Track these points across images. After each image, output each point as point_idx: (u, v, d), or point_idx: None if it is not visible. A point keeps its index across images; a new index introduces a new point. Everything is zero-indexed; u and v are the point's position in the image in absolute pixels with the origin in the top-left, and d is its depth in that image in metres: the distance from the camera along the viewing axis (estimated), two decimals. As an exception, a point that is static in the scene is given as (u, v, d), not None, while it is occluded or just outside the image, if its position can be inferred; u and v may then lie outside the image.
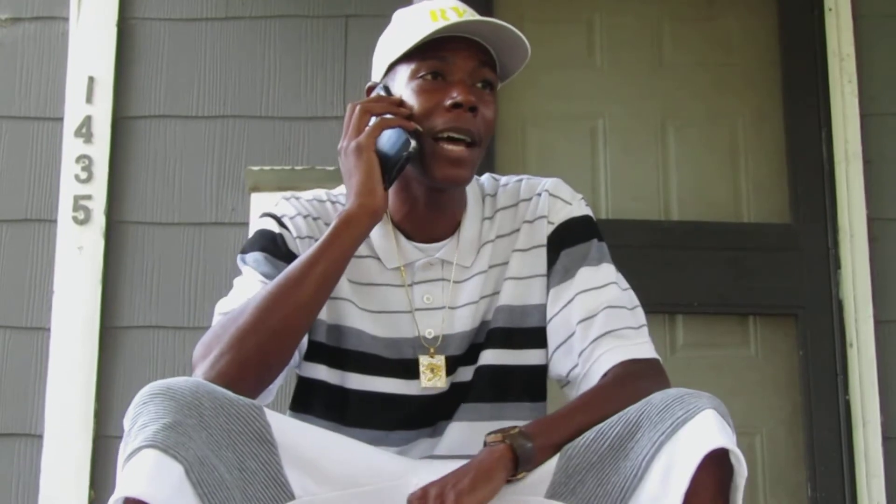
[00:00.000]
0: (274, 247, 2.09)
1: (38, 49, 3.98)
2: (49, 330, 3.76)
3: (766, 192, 4.16)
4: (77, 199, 3.82)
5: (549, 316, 2.12)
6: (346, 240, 1.95)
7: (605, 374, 2.01)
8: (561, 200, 2.20)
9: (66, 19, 3.98)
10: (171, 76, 3.97)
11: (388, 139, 2.00)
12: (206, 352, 1.88)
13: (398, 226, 2.15)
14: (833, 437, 3.89)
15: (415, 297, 2.12)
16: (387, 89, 2.10)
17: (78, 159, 3.85)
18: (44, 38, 3.99)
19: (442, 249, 2.14)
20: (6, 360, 3.76)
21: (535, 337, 2.13)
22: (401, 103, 2.05)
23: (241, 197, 3.82)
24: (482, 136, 2.05)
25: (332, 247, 1.94)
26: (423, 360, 2.10)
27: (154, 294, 3.82)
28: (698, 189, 4.16)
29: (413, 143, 1.98)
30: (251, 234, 2.15)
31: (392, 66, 2.11)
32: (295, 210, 2.15)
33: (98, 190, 3.83)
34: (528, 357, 2.13)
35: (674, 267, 3.99)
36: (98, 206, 3.82)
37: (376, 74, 2.16)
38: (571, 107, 4.22)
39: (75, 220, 3.80)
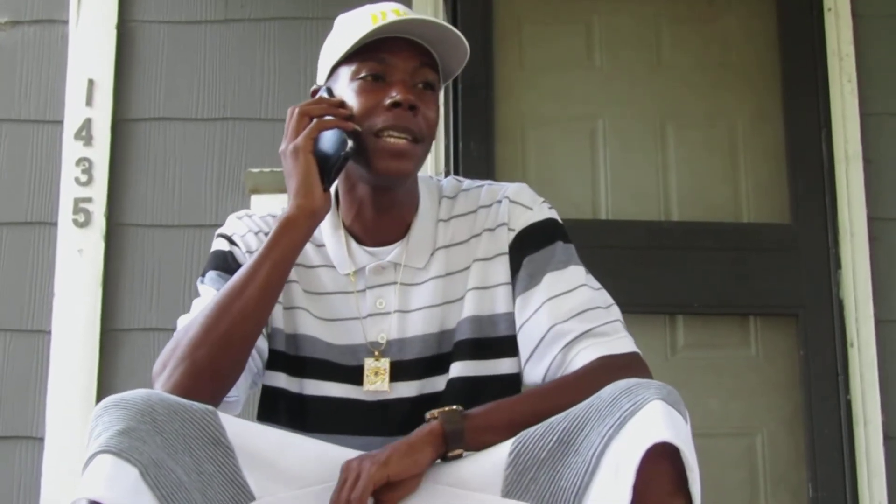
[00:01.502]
0: (225, 264, 2.11)
1: (37, 52, 3.99)
2: (50, 333, 3.76)
3: (766, 192, 4.17)
4: (77, 201, 3.82)
5: (518, 324, 2.10)
6: (286, 242, 1.96)
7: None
8: (521, 206, 2.15)
9: (66, 22, 3.98)
10: (171, 79, 3.98)
11: (327, 140, 2.00)
12: (163, 366, 1.91)
13: (350, 231, 2.15)
14: (834, 436, 3.89)
15: (367, 302, 2.12)
16: (329, 91, 2.10)
17: (78, 162, 3.85)
18: (43, 42, 4.00)
19: (392, 252, 2.13)
20: (7, 364, 3.76)
21: (506, 346, 2.11)
22: (341, 104, 2.05)
23: (240, 199, 3.81)
24: (424, 135, 2.05)
25: (273, 250, 1.95)
26: (368, 364, 2.10)
27: (154, 296, 3.82)
28: (698, 189, 4.16)
29: (350, 143, 1.97)
30: (208, 255, 2.18)
31: (334, 69, 2.11)
32: (246, 227, 2.16)
33: (98, 193, 3.84)
34: (499, 367, 2.11)
35: (674, 268, 3.99)
36: (98, 208, 3.82)
37: (320, 78, 2.17)
38: (571, 108, 4.22)
39: (75, 222, 3.81)
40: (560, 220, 2.18)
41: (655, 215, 4.12)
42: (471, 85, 4.04)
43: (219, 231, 2.19)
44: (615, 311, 2.09)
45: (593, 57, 4.27)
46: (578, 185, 4.12)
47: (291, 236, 1.96)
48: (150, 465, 1.63)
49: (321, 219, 2.01)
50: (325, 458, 1.89)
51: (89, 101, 3.90)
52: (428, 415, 1.89)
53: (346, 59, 2.08)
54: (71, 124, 3.89)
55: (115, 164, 3.88)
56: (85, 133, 3.87)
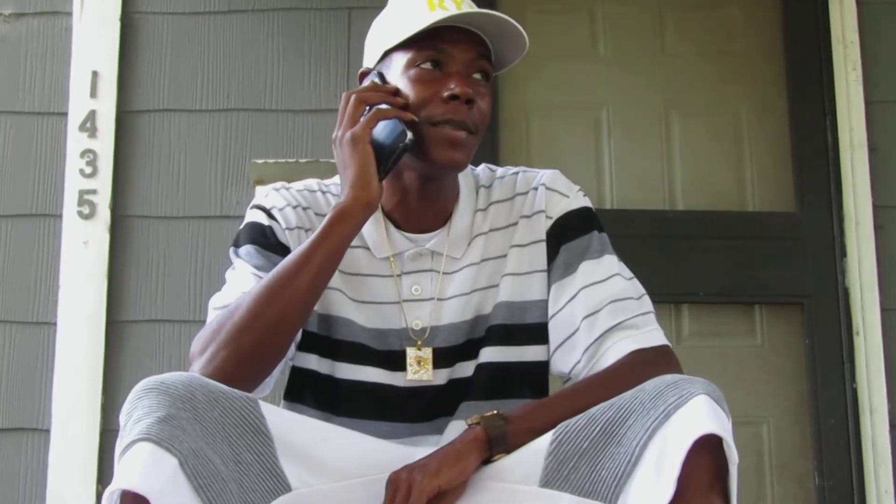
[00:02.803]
0: (264, 239, 2.08)
1: (41, 44, 3.99)
2: (55, 324, 3.77)
3: (771, 180, 4.16)
4: (82, 193, 3.83)
5: (551, 312, 2.10)
6: (340, 233, 1.94)
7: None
8: (558, 194, 2.16)
9: (70, 14, 3.98)
10: (175, 70, 3.98)
11: (384, 130, 1.99)
12: (203, 348, 1.89)
13: (389, 216, 2.14)
14: (840, 425, 3.89)
15: (403, 287, 2.11)
16: (381, 76, 2.08)
17: (82, 154, 3.85)
18: (47, 34, 4.00)
19: (433, 240, 2.13)
20: (13, 355, 3.77)
21: (536, 333, 2.12)
22: (396, 92, 2.03)
23: (245, 190, 3.82)
24: (478, 128, 2.04)
25: (326, 240, 1.93)
26: (410, 353, 2.09)
27: (159, 288, 3.82)
28: (703, 178, 4.15)
29: (409, 134, 1.96)
30: (242, 225, 2.14)
31: (387, 54, 2.09)
32: (284, 201, 2.13)
33: (103, 184, 3.84)
34: (528, 353, 2.11)
35: (679, 256, 3.99)
36: (103, 200, 3.83)
37: (370, 60, 2.14)
38: (575, 97, 4.22)
39: (80, 214, 3.81)
40: (593, 208, 2.19)
41: (660, 204, 4.12)
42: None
43: (255, 202, 2.16)
44: (647, 302, 2.10)
45: (597, 46, 4.26)
46: (583, 174, 4.11)
47: (346, 226, 1.94)
48: (189, 455, 1.61)
49: (375, 210, 1.99)
50: (363, 451, 1.89)
51: (93, 93, 3.90)
52: (469, 420, 1.89)
53: (401, 45, 2.05)
54: (75, 116, 3.89)
55: (119, 156, 3.88)
56: (89, 125, 3.87)
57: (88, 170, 3.84)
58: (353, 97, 2.04)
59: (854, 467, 3.84)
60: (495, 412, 1.87)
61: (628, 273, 2.14)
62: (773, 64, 4.24)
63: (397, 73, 2.06)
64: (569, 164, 4.12)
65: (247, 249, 2.08)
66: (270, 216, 2.11)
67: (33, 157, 3.90)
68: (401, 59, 2.06)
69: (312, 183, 2.20)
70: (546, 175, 2.20)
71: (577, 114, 4.20)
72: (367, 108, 2.03)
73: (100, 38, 3.95)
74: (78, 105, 3.90)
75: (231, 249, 2.12)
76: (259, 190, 3.59)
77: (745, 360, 4.03)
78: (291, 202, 2.14)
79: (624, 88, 4.22)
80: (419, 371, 2.08)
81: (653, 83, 4.22)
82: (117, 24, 3.96)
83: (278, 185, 2.18)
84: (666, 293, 3.96)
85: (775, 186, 4.15)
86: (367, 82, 2.09)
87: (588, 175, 4.12)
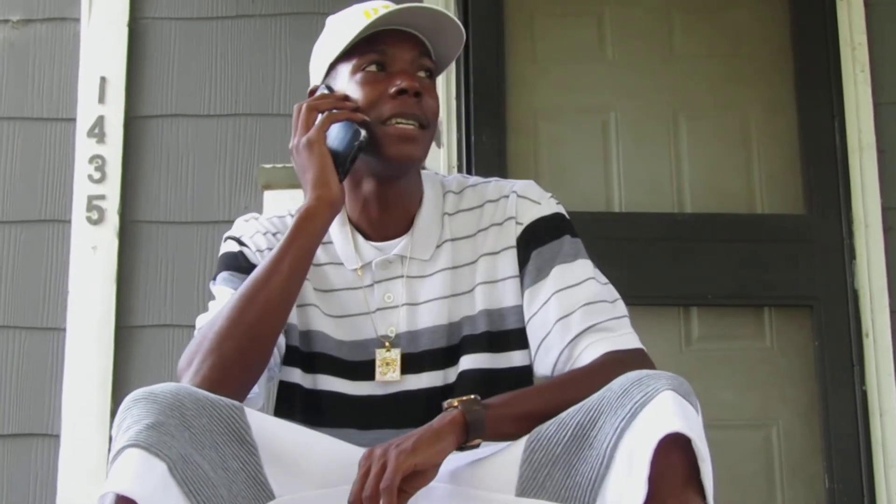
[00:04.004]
0: (236, 263, 2.13)
1: (49, 50, 4.00)
2: (65, 330, 3.77)
3: (780, 182, 4.16)
4: (91, 199, 3.83)
5: (526, 317, 2.11)
6: (307, 232, 1.98)
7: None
8: (529, 201, 2.17)
9: (78, 20, 3.99)
10: (183, 75, 3.98)
11: (338, 133, 2.04)
12: (189, 361, 1.91)
13: (356, 225, 2.18)
14: (850, 427, 3.89)
15: (375, 296, 2.13)
16: (329, 88, 2.13)
17: (91, 159, 3.86)
18: (55, 40, 4.01)
19: (398, 245, 2.14)
20: (23, 361, 3.78)
21: (516, 338, 2.13)
22: (345, 98, 2.08)
23: (253, 195, 3.82)
24: (429, 121, 2.09)
25: (295, 241, 1.97)
26: (379, 354, 2.11)
27: (168, 293, 3.83)
28: (711, 181, 4.15)
29: (363, 132, 2.02)
30: (218, 258, 2.20)
31: (332, 67, 2.14)
32: (253, 229, 2.18)
33: (111, 190, 3.85)
34: (511, 359, 2.12)
35: (687, 259, 3.99)
36: (112, 205, 3.83)
37: (316, 78, 2.19)
38: (583, 100, 4.22)
39: (89, 220, 3.82)
40: (567, 215, 2.20)
41: (669, 207, 4.12)
42: (482, 78, 4.04)
43: (227, 234, 2.21)
44: (621, 307, 2.10)
45: (605, 48, 4.26)
46: (591, 178, 4.12)
47: (312, 227, 1.98)
48: (178, 461, 1.63)
49: (339, 210, 2.03)
50: (346, 458, 1.89)
51: (102, 99, 3.91)
52: (446, 403, 1.88)
53: (344, 56, 2.11)
54: (84, 122, 3.90)
55: (127, 161, 3.89)
56: (98, 130, 3.88)
57: (97, 175, 3.85)
58: (304, 106, 2.09)
59: (864, 470, 3.84)
60: (473, 397, 1.87)
61: (603, 278, 2.14)
62: (782, 66, 4.23)
63: (344, 82, 2.11)
64: (577, 167, 4.12)
65: (223, 276, 2.13)
66: (241, 243, 2.16)
67: (42, 162, 3.91)
68: (345, 68, 2.11)
69: (282, 211, 2.25)
70: (518, 184, 2.21)
71: (584, 117, 4.20)
72: (319, 115, 2.07)
73: (108, 44, 3.96)
74: (86, 110, 3.91)
75: (210, 283, 2.17)
76: (268, 195, 3.61)
77: (754, 363, 4.02)
78: (260, 229, 2.18)
79: (632, 91, 4.21)
80: (387, 372, 2.10)
81: (661, 85, 4.22)
82: (125, 30, 3.97)
83: (247, 216, 2.23)
84: (675, 296, 3.97)
85: (784, 189, 4.15)
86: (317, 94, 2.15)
87: (596, 178, 4.12)
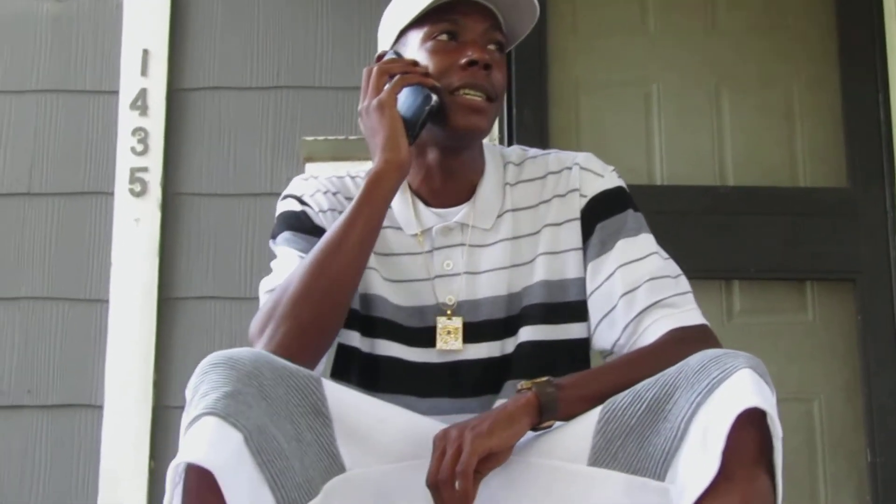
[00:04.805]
0: (299, 223, 2.14)
1: (92, 23, 4.00)
2: (108, 302, 3.79)
3: (823, 156, 4.13)
4: (133, 171, 3.84)
5: (589, 290, 2.11)
6: (378, 196, 1.98)
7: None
8: (592, 173, 2.18)
9: (120, -7, 4.00)
10: (225, 47, 3.98)
11: (409, 96, 2.04)
12: (262, 327, 1.92)
13: (416, 193, 2.18)
14: (892, 402, 3.88)
15: (434, 263, 2.14)
16: (398, 55, 2.14)
17: (134, 132, 3.87)
18: (98, 13, 4.01)
19: (460, 213, 2.15)
20: (66, 332, 3.80)
21: (576, 311, 2.13)
22: (415, 64, 2.09)
23: (295, 167, 3.82)
24: (497, 94, 2.10)
25: (366, 204, 1.97)
26: (440, 322, 2.11)
27: (210, 265, 3.84)
28: (754, 154, 4.13)
29: (434, 97, 2.02)
30: (276, 216, 2.20)
31: (402, 34, 2.15)
32: (313, 188, 2.19)
33: (154, 162, 3.86)
34: (569, 331, 2.13)
35: (730, 233, 3.97)
36: (154, 178, 3.85)
37: (385, 44, 2.20)
38: (625, 73, 4.20)
39: (132, 192, 3.83)
40: (627, 189, 2.20)
41: (711, 180, 4.10)
42: (524, 51, 4.02)
43: (285, 193, 2.21)
44: (684, 282, 2.11)
45: (647, 21, 4.24)
46: (633, 151, 4.11)
47: (383, 188, 1.99)
48: (254, 431, 1.62)
49: (407, 174, 2.04)
50: (417, 432, 1.89)
51: (144, 71, 3.91)
52: (519, 385, 1.89)
53: (416, 23, 2.12)
54: (126, 94, 3.91)
55: (170, 134, 3.90)
56: (140, 103, 3.89)
57: (140, 148, 3.86)
58: (374, 69, 2.10)
59: (906, 444, 3.83)
60: (546, 379, 1.88)
61: (664, 253, 2.15)
62: (826, 38, 4.20)
63: (414, 49, 2.12)
64: (618, 140, 4.11)
65: (285, 236, 2.13)
66: (302, 202, 2.17)
67: (85, 135, 3.92)
68: (416, 35, 2.12)
69: (341, 170, 2.26)
70: (580, 156, 2.22)
71: (626, 90, 4.18)
72: (390, 78, 2.07)
73: (150, 17, 3.96)
74: (129, 83, 3.92)
75: (270, 242, 2.18)
76: (309, 167, 3.62)
77: (796, 337, 4.01)
78: (320, 188, 2.19)
79: (674, 64, 4.20)
80: (448, 341, 2.10)
81: (703, 58, 4.20)
82: (167, 2, 3.97)
83: (305, 175, 2.25)
84: (717, 269, 3.96)
85: (827, 162, 4.12)
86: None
87: (638, 151, 4.11)
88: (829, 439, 3.94)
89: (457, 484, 1.74)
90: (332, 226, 2.00)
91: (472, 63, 2.04)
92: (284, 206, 2.19)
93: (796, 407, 3.95)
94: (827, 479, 3.91)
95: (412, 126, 2.03)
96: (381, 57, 2.18)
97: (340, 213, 2.11)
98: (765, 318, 4.02)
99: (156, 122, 3.89)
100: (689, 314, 2.05)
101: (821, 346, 4.00)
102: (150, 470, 3.66)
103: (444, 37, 2.09)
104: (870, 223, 3.98)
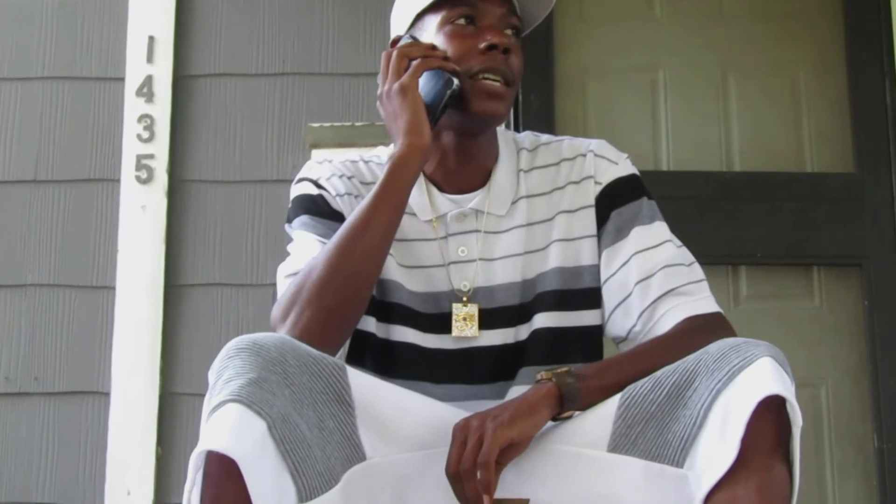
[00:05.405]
0: (316, 207, 2.12)
1: (98, 10, 3.99)
2: (114, 289, 3.79)
3: (829, 141, 4.13)
4: (139, 158, 3.84)
5: (603, 277, 2.12)
6: (402, 180, 1.97)
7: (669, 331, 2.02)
8: (607, 160, 2.18)
9: (126, -21, 3.99)
10: (231, 34, 3.98)
11: (430, 80, 2.04)
12: (286, 312, 1.90)
13: (430, 178, 2.17)
14: (899, 387, 3.88)
15: (450, 249, 2.13)
16: (414, 39, 2.12)
17: (140, 119, 3.87)
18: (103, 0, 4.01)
19: (475, 199, 2.14)
20: (73, 319, 3.80)
21: (590, 298, 2.13)
22: (434, 48, 2.08)
23: (301, 154, 3.82)
24: (515, 78, 2.09)
25: (390, 188, 1.96)
26: (456, 309, 2.10)
27: (217, 252, 3.84)
28: (760, 139, 4.12)
29: (456, 81, 2.02)
30: (292, 199, 2.18)
31: (418, 18, 2.14)
32: (329, 171, 2.17)
33: (160, 149, 3.86)
34: (583, 318, 2.13)
35: (736, 218, 3.97)
36: (160, 165, 3.84)
37: (399, 28, 2.19)
38: (631, 59, 4.20)
39: (138, 179, 3.83)
40: (641, 177, 2.21)
41: (717, 166, 4.10)
42: (530, 37, 3.99)
43: (300, 176, 2.20)
44: (698, 270, 2.11)
45: (654, 7, 4.24)
46: (639, 137, 4.10)
47: (405, 174, 1.98)
48: (277, 420, 1.61)
49: (428, 157, 2.04)
50: (438, 421, 1.89)
51: (150, 58, 3.91)
52: (539, 375, 1.89)
53: (433, 7, 2.11)
54: (132, 81, 3.90)
55: (176, 121, 3.90)
56: (146, 90, 3.89)
57: (146, 135, 3.86)
58: (394, 52, 2.09)
59: (913, 429, 3.83)
60: (566, 369, 1.88)
61: (678, 241, 2.15)
62: (832, 24, 4.19)
63: (431, 34, 2.11)
64: (625, 126, 4.11)
65: (302, 220, 2.12)
66: (318, 186, 2.15)
67: (91, 122, 3.92)
68: (433, 20, 2.11)
69: (353, 155, 2.24)
70: (594, 143, 2.22)
71: (633, 76, 4.18)
72: (410, 62, 2.06)
73: (156, 3, 3.95)
74: (135, 70, 3.91)
75: (286, 226, 2.16)
76: (315, 154, 3.62)
77: (803, 322, 4.01)
78: (336, 172, 2.17)
79: (680, 50, 4.19)
80: (464, 328, 2.10)
81: (710, 44, 4.19)
82: (173, -11, 3.97)
83: (319, 158, 2.23)
84: (723, 255, 3.96)
85: (834, 147, 4.12)
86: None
87: (644, 137, 4.11)
88: (835, 425, 3.94)
89: (479, 474, 1.74)
90: (355, 210, 1.98)
91: (491, 47, 2.04)
92: (300, 189, 2.17)
93: (803, 392, 3.88)
94: (834, 465, 3.92)
95: (433, 110, 2.02)
96: (396, 41, 2.17)
97: (356, 197, 2.12)
98: (771, 303, 4.02)
99: (162, 109, 3.88)
100: (704, 302, 2.06)
101: (828, 332, 4.00)
102: (158, 457, 3.67)
103: (462, 21, 2.08)
104: (877, 208, 3.98)
